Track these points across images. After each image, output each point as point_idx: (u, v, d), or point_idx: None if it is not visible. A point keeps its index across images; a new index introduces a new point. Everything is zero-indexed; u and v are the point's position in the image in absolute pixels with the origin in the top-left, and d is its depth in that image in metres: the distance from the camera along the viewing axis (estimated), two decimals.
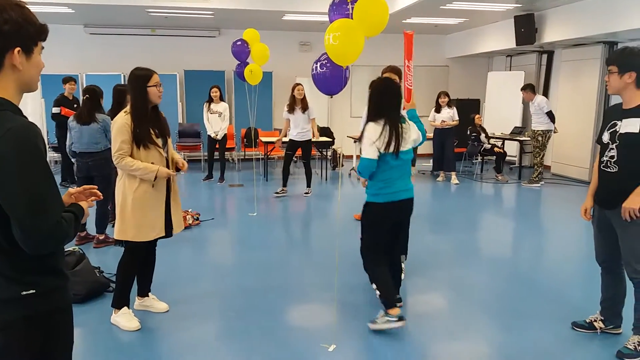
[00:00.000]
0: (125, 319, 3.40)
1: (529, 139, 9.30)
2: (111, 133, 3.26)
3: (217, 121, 8.44)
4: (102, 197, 1.84)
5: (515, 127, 10.06)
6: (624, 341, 3.15)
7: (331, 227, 6.12)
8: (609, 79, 2.93)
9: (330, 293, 3.99)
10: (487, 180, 9.28)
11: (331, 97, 3.74)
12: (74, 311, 1.70)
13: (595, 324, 3.33)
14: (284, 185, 7.64)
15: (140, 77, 3.20)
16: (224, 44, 11.05)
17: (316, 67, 3.55)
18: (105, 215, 5.21)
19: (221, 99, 8.53)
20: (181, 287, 4.11)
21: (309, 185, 7.75)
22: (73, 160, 5.32)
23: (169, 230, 3.43)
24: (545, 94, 10.34)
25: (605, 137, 3.01)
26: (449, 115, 8.63)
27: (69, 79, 7.90)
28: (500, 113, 10.82)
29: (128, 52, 10.68)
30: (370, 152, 3.27)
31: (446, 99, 8.67)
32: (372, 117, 3.33)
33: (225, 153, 9.01)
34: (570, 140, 9.35)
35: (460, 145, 9.66)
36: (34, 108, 6.65)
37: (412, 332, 3.39)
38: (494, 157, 9.51)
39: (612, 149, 2.95)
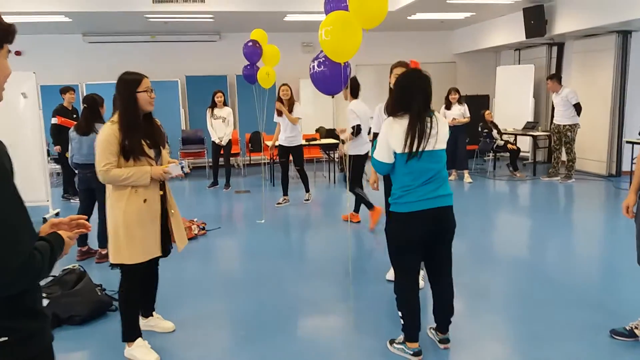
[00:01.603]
0: (141, 353, 3.05)
1: (543, 133, 9.03)
2: (96, 145, 2.90)
3: (221, 127, 8.22)
4: (90, 230, 1.59)
5: (528, 122, 9.77)
6: None
7: (342, 232, 5.87)
8: None
9: (346, 304, 3.74)
10: (501, 178, 8.99)
11: (332, 97, 3.49)
12: (74, 335, 1.46)
13: (636, 331, 3.06)
14: (285, 194, 7.26)
15: (129, 82, 2.89)
16: (225, 48, 10.87)
17: (314, 65, 3.26)
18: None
19: (225, 103, 8.32)
20: (187, 304, 3.87)
21: (307, 191, 7.37)
22: (76, 171, 5.14)
23: (167, 248, 3.14)
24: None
25: None
26: (459, 112, 8.36)
27: (67, 89, 7.70)
28: (511, 108, 10.53)
29: (128, 60, 10.46)
30: (382, 153, 2.83)
31: (456, 96, 8.41)
32: (392, 111, 2.87)
33: (230, 159, 8.78)
34: (587, 134, 9.04)
35: (472, 143, 9.38)
36: (32, 121, 6.44)
37: (430, 345, 3.13)
38: (507, 153, 9.23)
39: None
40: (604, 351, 3.00)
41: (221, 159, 8.46)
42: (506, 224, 6.30)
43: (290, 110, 6.88)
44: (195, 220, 5.89)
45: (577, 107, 8.11)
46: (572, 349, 3.04)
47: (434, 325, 3.19)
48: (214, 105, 8.23)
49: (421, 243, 2.90)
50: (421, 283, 3.83)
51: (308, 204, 7.16)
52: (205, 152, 10.20)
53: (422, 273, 3.96)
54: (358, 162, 5.90)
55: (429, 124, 2.78)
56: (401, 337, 3.04)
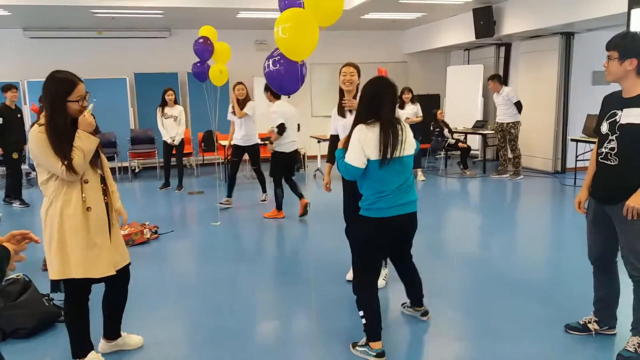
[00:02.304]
0: None
1: (491, 132, 9.28)
2: (33, 152, 2.59)
3: (172, 126, 7.98)
4: (39, 242, 1.48)
5: (477, 121, 10.03)
6: (620, 343, 3.00)
7: (300, 233, 5.83)
8: (607, 64, 2.73)
9: (307, 307, 3.70)
10: (452, 176, 9.19)
11: (288, 97, 3.42)
12: (20, 349, 1.35)
13: (589, 325, 3.16)
14: (229, 195, 7.03)
15: (60, 87, 2.58)
16: (175, 45, 10.60)
17: (268, 64, 3.12)
18: None
19: (176, 102, 8.09)
20: (139, 311, 3.72)
21: (264, 191, 7.25)
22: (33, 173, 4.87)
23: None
24: (505, 85, 10.36)
25: (604, 127, 2.82)
26: (412, 112, 8.47)
27: (9, 87, 7.27)
28: (461, 107, 10.78)
29: (73, 56, 10.05)
30: (356, 158, 2.82)
31: (409, 95, 8.52)
32: (363, 118, 2.89)
33: (183, 159, 8.56)
34: (533, 132, 9.37)
35: (424, 142, 9.54)
36: None
37: (394, 345, 3.14)
38: (458, 152, 9.44)
39: (612, 140, 2.76)
40: (560, 346, 3.08)
41: (173, 159, 8.23)
42: (458, 221, 6.43)
43: (243, 109, 6.72)
44: (147, 223, 5.69)
45: (518, 105, 8.40)
46: (529, 344, 3.11)
47: (408, 302, 3.49)
48: (164, 103, 7.99)
49: (388, 246, 3.02)
50: (382, 282, 3.86)
51: (265, 205, 7.07)
52: (155, 152, 9.91)
53: (384, 273, 4.00)
54: (281, 159, 6.19)
55: (399, 131, 2.86)
56: (364, 340, 3.03)
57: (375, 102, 2.89)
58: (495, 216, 6.43)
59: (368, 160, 2.83)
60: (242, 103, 6.75)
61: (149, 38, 10.56)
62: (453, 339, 3.27)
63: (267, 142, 6.53)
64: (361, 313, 2.99)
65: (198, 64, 6.35)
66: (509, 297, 3.83)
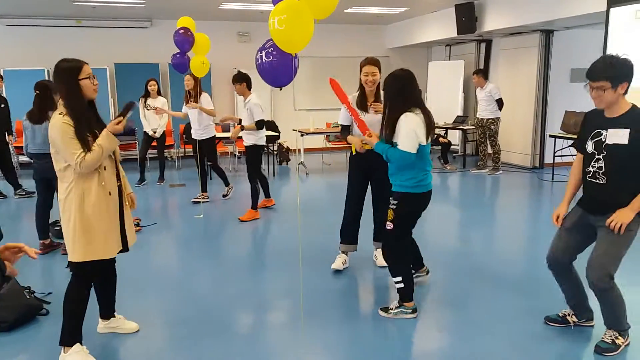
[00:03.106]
0: (79, 358, 2.87)
1: (472, 127, 9.40)
2: (54, 140, 2.72)
3: (154, 118, 7.87)
4: (35, 257, 1.50)
5: (458, 116, 10.14)
6: (598, 334, 3.09)
7: (285, 225, 5.85)
8: (601, 95, 2.71)
9: (294, 300, 3.73)
10: (433, 170, 9.24)
11: (280, 90, 3.40)
12: (0, 343, 1.35)
13: (568, 317, 3.25)
14: (203, 189, 6.91)
15: (69, 69, 2.73)
16: (156, 35, 10.48)
17: (261, 55, 3.09)
18: None
19: (158, 93, 7.98)
20: (122, 304, 3.68)
21: (227, 184, 7.09)
22: (32, 161, 4.88)
23: (126, 242, 3.02)
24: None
25: (590, 146, 2.87)
26: None
27: None
28: (442, 103, 10.88)
29: (52, 46, 9.86)
30: (411, 145, 3.16)
31: None
32: (406, 106, 3.19)
33: (165, 151, 8.48)
34: (512, 128, 9.52)
35: None
36: None
37: (375, 337, 3.19)
38: (439, 147, 9.54)
39: (599, 159, 2.82)
40: (540, 337, 3.16)
41: (154, 152, 8.10)
42: (438, 215, 6.51)
43: (197, 102, 6.60)
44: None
45: (500, 102, 8.52)
46: (508, 335, 3.19)
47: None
48: (147, 94, 7.87)
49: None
50: (339, 264, 4.28)
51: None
52: (136, 144, 9.78)
53: (343, 258, 4.30)
54: (257, 152, 5.98)
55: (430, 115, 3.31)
56: (395, 302, 3.48)
57: (411, 91, 3.26)
58: (474, 210, 6.53)
59: (420, 145, 3.19)
60: (192, 95, 6.61)
61: (130, 28, 10.42)
62: (434, 330, 3.33)
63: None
64: (398, 279, 3.40)
65: (178, 55, 6.29)
66: (488, 290, 3.91)
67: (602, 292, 2.84)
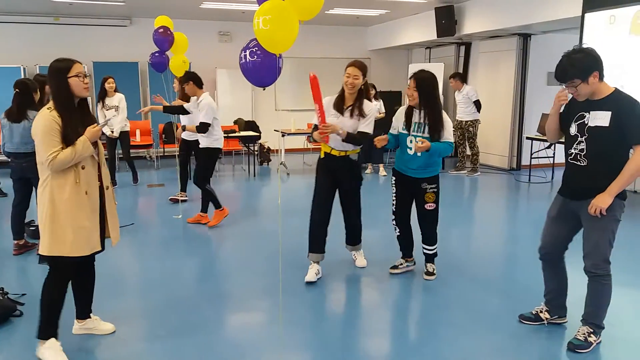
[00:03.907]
0: (51, 354, 2.86)
1: (452, 129, 9.47)
2: (35, 133, 2.75)
3: (114, 118, 7.35)
4: None
5: None
6: (570, 331, 3.16)
7: (265, 225, 5.84)
8: (576, 90, 2.80)
9: (273, 300, 3.72)
10: None
11: (264, 89, 3.40)
12: None
13: (541, 315, 3.31)
14: (182, 189, 6.87)
15: (58, 69, 2.78)
16: (136, 33, 10.38)
17: (245, 55, 3.08)
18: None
19: (116, 90, 7.46)
20: (100, 304, 3.64)
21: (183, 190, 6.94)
22: (9, 160, 4.78)
23: (103, 242, 3.02)
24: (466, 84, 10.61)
25: (573, 128, 2.94)
26: (376, 108, 8.53)
27: None
28: None
29: (28, 43, 9.69)
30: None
31: (373, 92, 8.60)
32: (440, 103, 3.88)
33: (143, 151, 8.37)
34: (491, 130, 9.65)
35: None
36: None
37: (352, 338, 3.21)
38: None
39: (581, 142, 2.88)
40: (515, 336, 3.21)
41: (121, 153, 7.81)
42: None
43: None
44: None
45: (477, 104, 8.64)
46: (485, 334, 3.23)
47: (398, 261, 4.36)
48: (104, 94, 7.34)
49: None
50: (313, 276, 4.13)
51: (232, 197, 7.02)
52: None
53: (316, 268, 4.20)
54: (212, 155, 5.66)
55: None
56: (399, 260, 4.31)
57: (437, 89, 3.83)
58: (453, 211, 6.60)
59: None
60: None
61: (109, 26, 10.30)
62: (413, 330, 3.36)
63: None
64: (435, 246, 4.20)
65: (156, 54, 6.24)
66: (467, 289, 3.96)
67: (598, 279, 2.91)
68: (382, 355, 3.04)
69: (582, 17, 6.69)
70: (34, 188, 4.52)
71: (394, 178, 4.13)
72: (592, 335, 3.00)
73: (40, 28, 9.87)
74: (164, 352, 3.04)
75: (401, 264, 4.31)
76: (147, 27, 9.85)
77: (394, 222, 4.19)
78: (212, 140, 5.54)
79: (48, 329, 2.90)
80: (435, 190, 4.00)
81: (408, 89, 3.89)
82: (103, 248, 3.03)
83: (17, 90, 4.54)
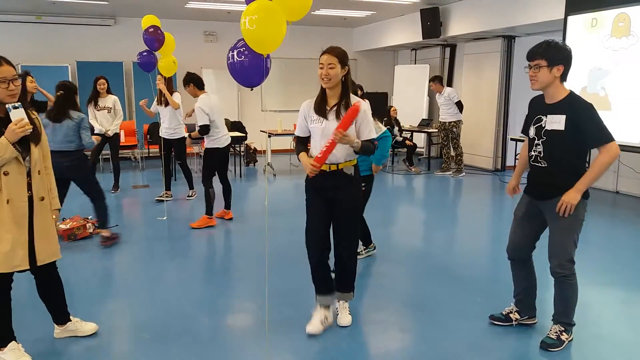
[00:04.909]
0: (13, 356, 2.80)
1: (436, 130, 9.56)
2: None
3: (107, 118, 7.21)
4: None
5: (423, 119, 10.30)
6: (540, 331, 3.20)
7: (252, 227, 5.82)
8: (536, 73, 2.84)
9: (259, 303, 3.71)
10: (398, 172, 9.40)
11: (251, 90, 3.38)
12: None
13: (511, 315, 3.33)
14: (167, 188, 6.87)
15: None
16: (120, 33, 10.29)
17: (232, 55, 3.03)
18: (104, 209, 5.04)
19: (109, 91, 7.32)
20: (82, 307, 3.61)
21: (191, 187, 7.03)
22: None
23: (33, 260, 2.76)
24: (450, 86, 10.68)
25: (532, 131, 2.99)
26: (367, 104, 8.57)
27: None
28: (408, 106, 11.03)
29: (9, 41, 9.55)
30: None
31: (360, 93, 8.60)
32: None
33: (128, 151, 8.30)
34: (475, 132, 9.74)
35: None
36: None
37: (333, 336, 3.21)
38: (405, 149, 9.67)
39: (539, 144, 2.94)
40: (486, 335, 3.22)
41: (108, 154, 7.69)
42: (403, 216, 6.61)
43: (166, 104, 6.55)
44: (89, 217, 5.52)
45: (459, 105, 8.71)
46: (469, 334, 3.25)
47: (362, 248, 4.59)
48: (96, 95, 7.14)
49: None
50: (319, 328, 3.40)
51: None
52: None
53: (323, 314, 3.43)
54: (216, 156, 5.67)
55: None
56: (362, 247, 4.52)
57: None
58: (438, 211, 6.64)
59: None
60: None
61: (93, 25, 10.19)
62: (397, 331, 3.37)
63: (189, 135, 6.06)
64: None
65: (144, 54, 6.18)
66: (450, 289, 3.98)
67: (564, 279, 2.95)
68: (364, 355, 3.04)
69: (565, 19, 6.78)
70: (80, 186, 4.84)
71: None
72: (563, 333, 3.05)
73: (22, 27, 9.74)
74: (148, 355, 3.01)
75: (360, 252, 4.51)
76: (133, 26, 9.83)
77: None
78: (209, 140, 5.62)
79: (4, 337, 2.83)
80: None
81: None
82: (33, 266, 2.77)
83: (60, 92, 4.75)
